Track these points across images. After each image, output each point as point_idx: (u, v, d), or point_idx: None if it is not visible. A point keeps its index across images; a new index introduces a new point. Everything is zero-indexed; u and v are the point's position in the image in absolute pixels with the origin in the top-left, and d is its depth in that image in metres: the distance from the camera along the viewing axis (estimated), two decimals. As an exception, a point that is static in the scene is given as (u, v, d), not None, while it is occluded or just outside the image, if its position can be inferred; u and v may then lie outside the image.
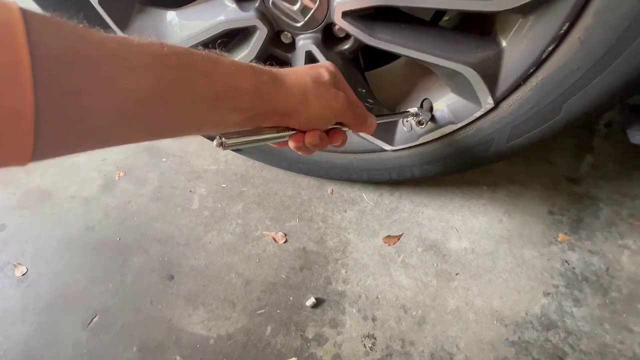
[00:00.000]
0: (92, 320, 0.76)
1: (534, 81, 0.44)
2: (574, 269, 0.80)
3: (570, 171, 0.93)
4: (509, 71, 0.45)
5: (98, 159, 0.97)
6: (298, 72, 0.38)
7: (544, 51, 0.40)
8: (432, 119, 0.56)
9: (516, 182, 0.91)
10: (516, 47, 0.42)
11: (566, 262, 0.81)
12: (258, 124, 0.35)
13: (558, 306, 0.76)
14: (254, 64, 0.34)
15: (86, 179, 0.94)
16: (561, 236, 0.84)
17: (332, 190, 0.90)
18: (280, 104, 0.36)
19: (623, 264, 0.80)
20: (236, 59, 0.54)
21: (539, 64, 0.42)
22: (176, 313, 0.76)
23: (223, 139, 0.33)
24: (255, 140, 0.37)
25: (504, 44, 0.44)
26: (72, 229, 0.87)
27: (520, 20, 0.41)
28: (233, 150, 0.88)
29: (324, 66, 0.41)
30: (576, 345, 0.73)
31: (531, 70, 0.43)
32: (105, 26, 0.54)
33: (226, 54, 0.33)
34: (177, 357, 0.72)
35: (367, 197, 0.89)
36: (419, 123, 0.56)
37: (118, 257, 0.83)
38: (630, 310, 0.76)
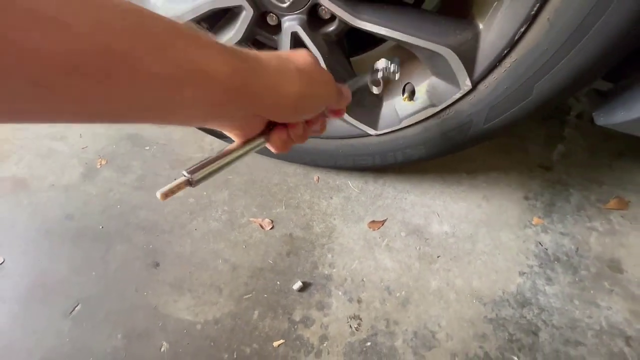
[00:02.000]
0: (74, 309, 0.75)
1: (507, 62, 0.47)
2: (547, 250, 0.84)
3: (543, 159, 0.98)
4: (485, 53, 0.47)
5: (78, 147, 0.95)
6: (281, 54, 0.32)
7: (516, 32, 0.43)
8: (412, 95, 0.57)
9: (494, 169, 0.95)
10: (492, 29, 0.45)
11: (540, 243, 0.85)
12: (231, 116, 0.28)
13: (532, 285, 0.80)
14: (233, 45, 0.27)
15: (66, 167, 0.92)
16: (535, 219, 0.88)
17: (318, 177, 0.91)
18: (265, 95, 0.28)
19: (591, 245, 0.86)
20: (222, 40, 0.54)
21: (512, 45, 0.45)
22: (162, 300, 0.75)
23: (190, 176, 0.27)
24: (228, 162, 0.30)
25: (480, 26, 0.46)
26: (51, 218, 0.85)
27: (495, 3, 0.43)
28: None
29: (303, 50, 0.35)
30: (548, 321, 0.77)
31: (505, 52, 0.46)
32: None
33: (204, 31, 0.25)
34: (164, 343, 0.72)
35: (352, 184, 0.90)
36: (393, 73, 0.49)
37: (100, 245, 0.81)
38: (597, 287, 0.81)
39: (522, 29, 0.42)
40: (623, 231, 0.87)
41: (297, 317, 0.75)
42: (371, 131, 0.68)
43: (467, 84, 0.51)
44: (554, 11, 0.39)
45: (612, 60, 0.43)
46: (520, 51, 0.45)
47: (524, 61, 0.45)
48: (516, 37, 0.43)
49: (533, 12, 0.40)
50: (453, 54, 0.47)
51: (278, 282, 0.78)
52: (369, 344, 0.73)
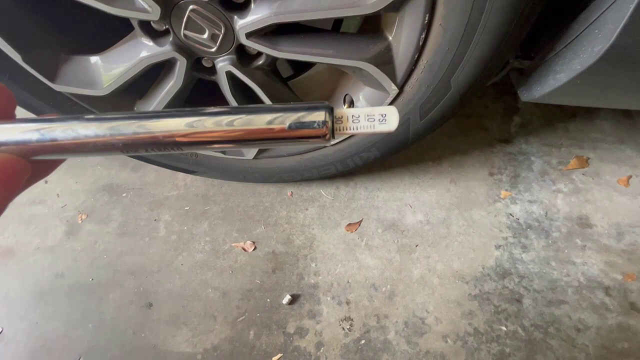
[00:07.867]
0: (77, 363, 0.78)
1: (421, 65, 0.52)
2: (518, 219, 0.90)
3: (502, 134, 1.04)
4: (400, 60, 0.53)
5: (58, 207, 0.99)
6: None
7: (419, 39, 0.48)
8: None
9: (457, 152, 1.01)
10: (399, 39, 0.51)
11: (510, 215, 0.90)
12: None
13: (509, 255, 0.85)
14: None
15: (48, 228, 0.96)
16: (503, 193, 0.94)
17: (292, 192, 0.96)
18: None
19: (559, 207, 0.91)
20: (166, 88, 0.59)
21: (420, 50, 0.50)
22: (160, 338, 0.79)
23: None
24: None
25: (390, 38, 0.52)
26: (42, 279, 0.89)
27: (397, 17, 0.49)
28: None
29: None
30: (529, 286, 0.82)
31: (416, 56, 0.51)
32: (35, 81, 0.58)
33: None
34: (168, 379, 0.75)
35: (325, 192, 0.95)
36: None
37: (93, 297, 0.85)
38: (570, 246, 0.86)
39: (423, 36, 0.48)
40: (587, 188, 0.93)
41: (291, 329, 0.79)
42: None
43: (393, 88, 0.56)
44: (442, 18, 0.45)
45: (509, 48, 0.49)
46: (428, 54, 0.50)
47: (435, 61, 0.51)
48: (420, 43, 0.49)
49: (426, 21, 0.46)
50: (371, 65, 0.52)
51: (268, 300, 0.82)
52: (363, 341, 0.77)
